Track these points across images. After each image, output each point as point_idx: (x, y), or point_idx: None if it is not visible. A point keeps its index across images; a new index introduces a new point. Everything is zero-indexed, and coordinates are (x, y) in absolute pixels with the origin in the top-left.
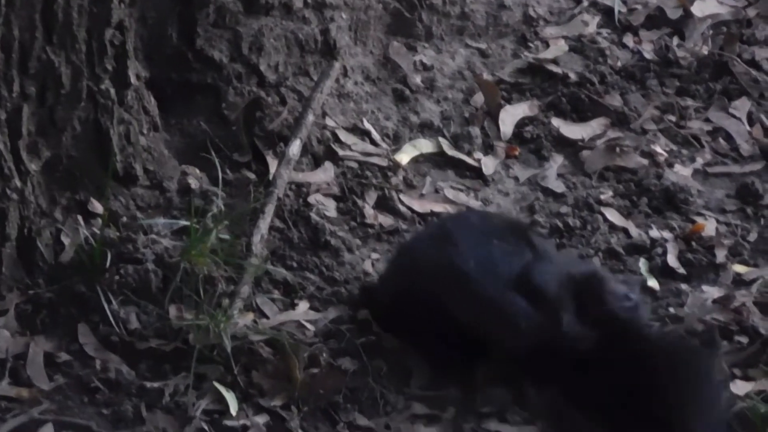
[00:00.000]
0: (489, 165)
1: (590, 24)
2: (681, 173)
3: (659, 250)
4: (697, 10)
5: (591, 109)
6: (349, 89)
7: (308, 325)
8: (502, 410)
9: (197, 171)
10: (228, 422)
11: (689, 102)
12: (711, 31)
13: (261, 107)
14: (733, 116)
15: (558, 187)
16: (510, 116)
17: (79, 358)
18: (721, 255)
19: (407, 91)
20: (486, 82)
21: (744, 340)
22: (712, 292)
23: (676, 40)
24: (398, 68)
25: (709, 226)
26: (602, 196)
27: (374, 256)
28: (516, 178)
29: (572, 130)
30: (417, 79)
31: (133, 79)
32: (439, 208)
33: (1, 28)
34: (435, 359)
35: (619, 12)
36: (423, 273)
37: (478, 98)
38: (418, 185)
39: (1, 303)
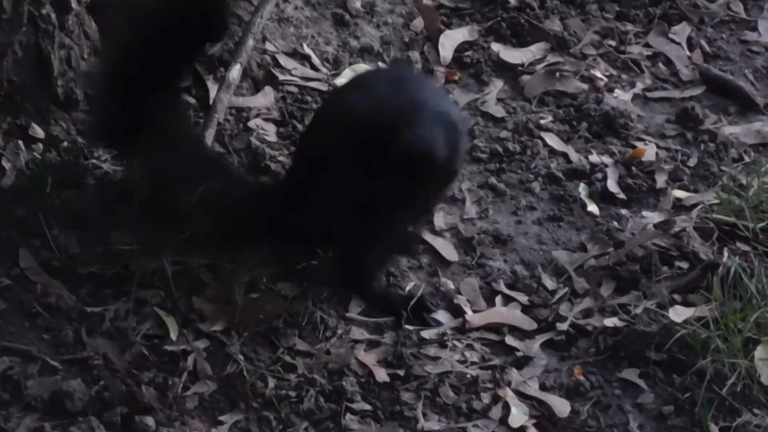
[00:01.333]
0: None
1: None
2: (621, 98)
3: (599, 175)
4: None
5: (531, 33)
6: (289, 14)
7: (249, 251)
8: (442, 336)
9: None
10: (168, 347)
11: (629, 27)
12: None
13: None
14: (673, 41)
15: (498, 111)
16: (450, 41)
17: (19, 283)
18: (661, 180)
19: (347, 16)
20: (426, 7)
21: (684, 265)
22: (652, 217)
23: None
24: None
25: (649, 151)
26: (542, 121)
27: None
28: (456, 103)
29: (512, 55)
30: (357, 4)
31: (74, 4)
32: None
33: None
34: None
35: None
36: None
37: (418, 23)
38: None
39: None
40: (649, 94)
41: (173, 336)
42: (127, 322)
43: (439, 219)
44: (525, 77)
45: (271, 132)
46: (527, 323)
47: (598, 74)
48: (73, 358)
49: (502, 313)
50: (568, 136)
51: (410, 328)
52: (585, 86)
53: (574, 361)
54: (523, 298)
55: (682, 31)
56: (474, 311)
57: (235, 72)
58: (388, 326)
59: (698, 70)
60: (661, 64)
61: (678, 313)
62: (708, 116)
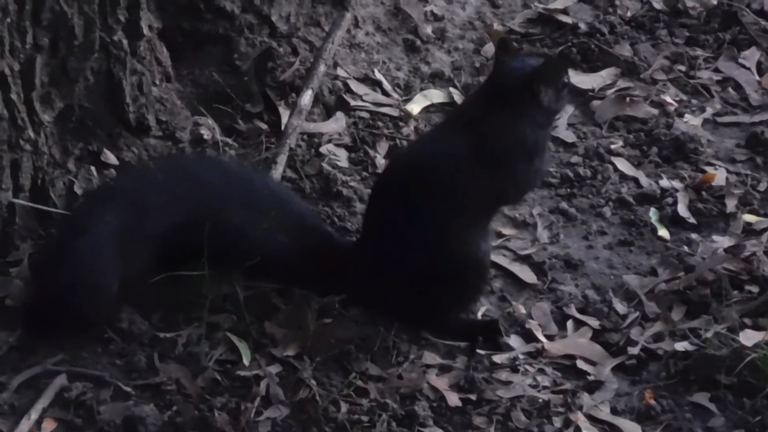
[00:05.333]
0: None
1: None
2: (691, 123)
3: (669, 199)
4: None
5: (601, 59)
6: (360, 39)
7: None
8: (514, 360)
9: (210, 121)
10: (241, 372)
11: (699, 52)
12: None
13: (273, 57)
14: (743, 66)
15: (569, 136)
16: None
17: None
18: (731, 204)
19: (418, 42)
20: (496, 33)
21: (754, 289)
22: (722, 241)
23: None
24: (409, 18)
25: (719, 176)
26: (612, 146)
27: None
28: None
29: (582, 80)
30: (428, 30)
31: (145, 30)
32: None
33: None
34: None
35: None
36: None
37: (489, 48)
38: None
39: (15, 253)
40: (719, 119)
41: (246, 361)
42: (199, 347)
43: (512, 243)
44: (595, 102)
45: (342, 157)
46: (601, 356)
47: (668, 99)
48: (146, 384)
49: (578, 343)
50: (638, 161)
51: (482, 352)
52: (655, 111)
53: (645, 385)
54: (594, 323)
55: (751, 55)
56: (546, 336)
57: (306, 98)
58: (461, 350)
59: None
60: (730, 89)
61: (748, 337)
62: None
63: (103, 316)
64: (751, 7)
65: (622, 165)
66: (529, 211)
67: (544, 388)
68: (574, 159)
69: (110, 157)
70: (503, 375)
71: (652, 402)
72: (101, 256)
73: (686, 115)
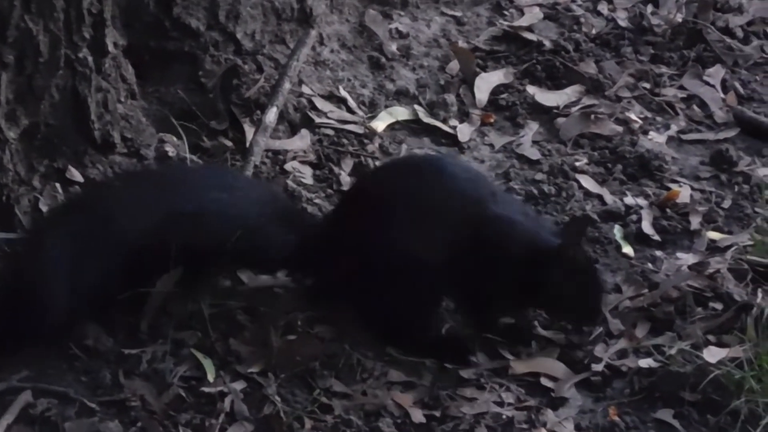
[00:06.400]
0: (464, 132)
1: None
2: (655, 140)
3: (634, 216)
4: None
5: (566, 76)
6: (325, 57)
7: (285, 293)
8: (479, 377)
9: (174, 139)
10: (205, 389)
11: (663, 69)
12: None
13: (238, 75)
14: (707, 83)
15: (533, 154)
16: (485, 84)
17: None
18: (695, 222)
19: (383, 59)
20: (461, 50)
21: (718, 306)
22: (686, 258)
23: (650, 8)
24: (374, 36)
25: (683, 193)
26: (577, 163)
27: None
28: (491, 145)
29: (547, 98)
30: (393, 47)
31: (110, 47)
32: None
33: None
34: None
35: None
36: None
37: (454, 66)
38: (394, 152)
39: None
40: (684, 137)
41: (210, 378)
42: (164, 364)
43: None
44: (560, 120)
45: (307, 174)
46: (565, 372)
47: (633, 116)
48: (111, 400)
49: (543, 361)
50: (603, 178)
51: (448, 366)
52: (620, 128)
53: (609, 402)
54: (559, 339)
55: (716, 73)
56: (511, 353)
57: (271, 115)
58: (426, 367)
59: (732, 112)
60: (695, 107)
61: (712, 354)
62: (742, 158)
63: (56, 333)
64: (716, 25)
65: (587, 182)
66: None
67: (509, 404)
68: (539, 176)
69: (75, 175)
70: (468, 392)
71: (616, 419)
72: (50, 273)
73: (651, 133)
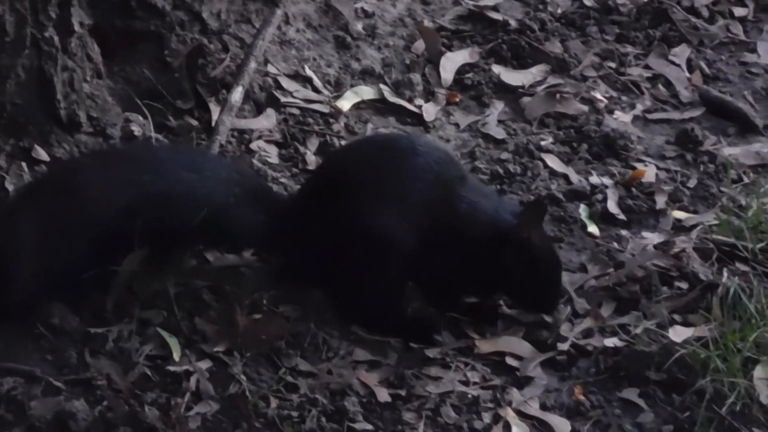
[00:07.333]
0: (430, 111)
1: None
2: (621, 119)
3: (599, 196)
4: None
5: (531, 55)
6: (291, 36)
7: (251, 272)
8: (444, 356)
9: (140, 118)
10: (171, 368)
11: (629, 49)
12: None
13: (203, 54)
14: (673, 63)
15: (499, 133)
16: (451, 63)
17: None
18: (661, 201)
19: (348, 38)
20: (427, 29)
21: (684, 285)
22: (652, 237)
23: None
24: (340, 15)
25: (649, 173)
26: (543, 143)
27: None
28: (457, 125)
29: (513, 77)
30: (358, 26)
31: (76, 27)
32: None
33: None
34: None
35: None
36: None
37: (419, 45)
38: (359, 132)
39: None
40: (649, 116)
41: (176, 357)
42: (130, 343)
43: None
44: (525, 99)
45: (273, 154)
46: (531, 352)
47: (599, 96)
48: (77, 379)
49: (508, 340)
50: (568, 158)
51: (413, 346)
52: (585, 108)
53: (575, 381)
54: (525, 319)
55: (681, 53)
56: (477, 332)
57: (237, 94)
58: (391, 346)
59: (698, 91)
60: (660, 86)
61: (678, 333)
62: (707, 137)
63: (22, 311)
64: (681, 5)
65: (552, 162)
66: None
67: (474, 383)
68: (504, 155)
69: (41, 154)
70: (433, 371)
71: (582, 398)
72: (18, 251)
73: (616, 112)
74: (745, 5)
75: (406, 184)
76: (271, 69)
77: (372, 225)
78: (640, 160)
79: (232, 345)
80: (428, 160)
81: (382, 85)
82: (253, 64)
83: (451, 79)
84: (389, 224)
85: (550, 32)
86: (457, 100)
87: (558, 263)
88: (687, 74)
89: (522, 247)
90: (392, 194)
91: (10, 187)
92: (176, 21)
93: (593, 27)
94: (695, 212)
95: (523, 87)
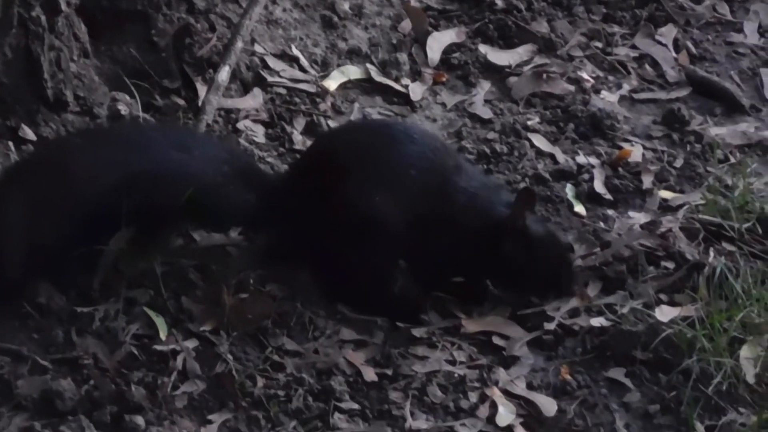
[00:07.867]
0: (416, 91)
1: None
2: (607, 99)
3: (586, 175)
4: None
5: (518, 35)
6: (277, 16)
7: (237, 251)
8: (431, 335)
9: (127, 97)
10: (158, 347)
11: (616, 29)
12: None
13: (190, 34)
14: (659, 43)
15: (485, 113)
16: (437, 43)
17: None
18: (647, 181)
19: (335, 18)
20: (413, 9)
21: (670, 265)
22: (638, 217)
23: None
24: None
25: (635, 152)
26: (529, 122)
27: None
28: (443, 104)
29: (499, 57)
30: (345, 6)
31: (63, 6)
32: None
33: None
34: None
35: None
36: None
37: (406, 25)
38: (346, 111)
39: None
40: (636, 96)
41: (162, 336)
42: (116, 323)
43: None
44: (512, 79)
45: (259, 133)
46: (517, 331)
47: (585, 76)
48: (63, 358)
49: (495, 320)
50: (555, 138)
51: (400, 325)
52: (572, 88)
53: (561, 361)
54: (511, 299)
55: (668, 33)
56: (464, 312)
57: (224, 74)
58: (377, 326)
59: (684, 71)
60: (647, 66)
61: (664, 313)
62: (694, 117)
63: (10, 290)
64: None
65: (539, 141)
66: None
67: (460, 363)
68: (491, 135)
69: (28, 133)
70: (420, 350)
71: (568, 377)
72: (5, 229)
73: (603, 92)
74: None
75: (400, 170)
76: (257, 48)
77: (363, 206)
78: (626, 140)
79: (218, 324)
80: (423, 148)
81: (368, 65)
82: (239, 44)
83: (438, 58)
84: (379, 206)
85: (537, 12)
86: (444, 79)
87: (560, 245)
88: (674, 54)
89: (519, 236)
90: (385, 178)
91: None
92: (163, 1)
93: (580, 7)
94: (682, 192)
95: (509, 67)
